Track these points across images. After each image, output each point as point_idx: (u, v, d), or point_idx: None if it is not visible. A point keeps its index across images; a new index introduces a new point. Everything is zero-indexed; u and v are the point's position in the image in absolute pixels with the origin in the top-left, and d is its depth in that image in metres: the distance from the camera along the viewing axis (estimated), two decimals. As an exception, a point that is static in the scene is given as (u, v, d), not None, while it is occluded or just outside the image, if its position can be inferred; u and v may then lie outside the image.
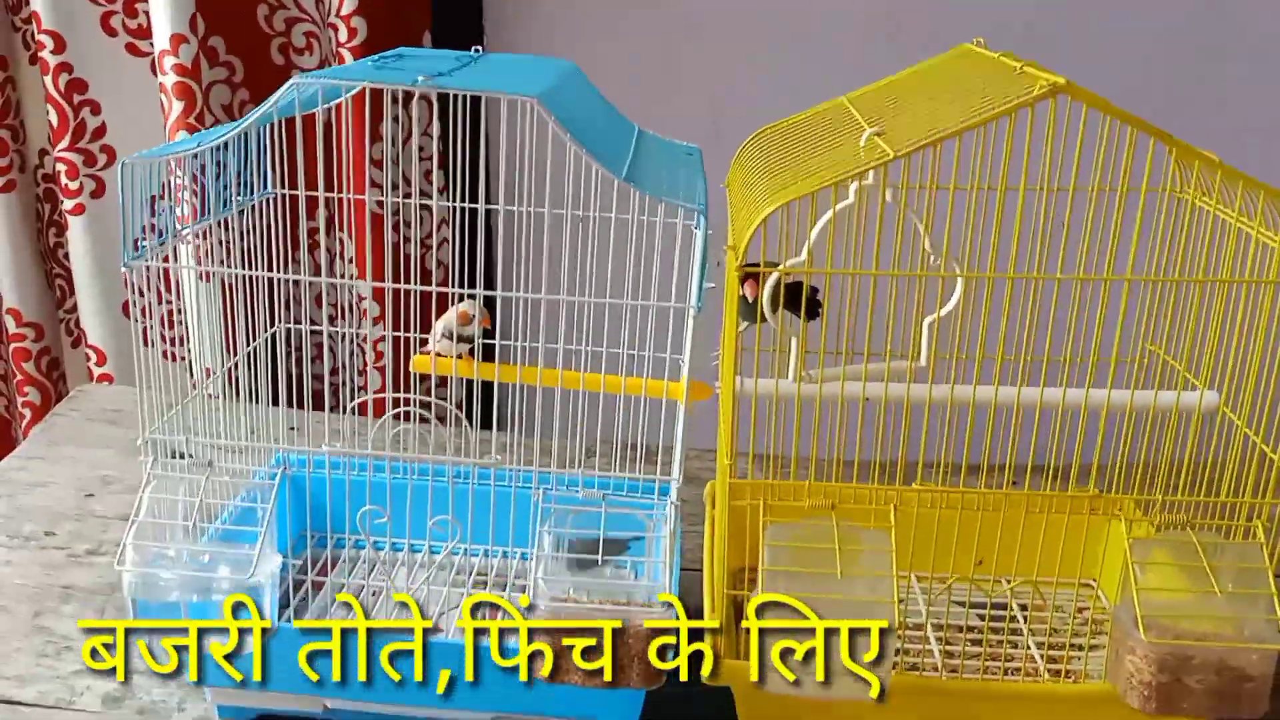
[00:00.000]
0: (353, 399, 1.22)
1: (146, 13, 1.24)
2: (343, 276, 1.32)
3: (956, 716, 0.72)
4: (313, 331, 1.03)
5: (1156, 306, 0.77)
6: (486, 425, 1.01)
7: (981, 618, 0.83)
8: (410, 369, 0.79)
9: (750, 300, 0.68)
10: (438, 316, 0.82)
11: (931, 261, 0.68)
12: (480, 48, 0.78)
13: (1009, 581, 0.82)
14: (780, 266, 0.66)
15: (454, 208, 0.82)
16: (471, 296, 0.75)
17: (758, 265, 0.65)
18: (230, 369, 0.80)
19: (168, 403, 0.74)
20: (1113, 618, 0.68)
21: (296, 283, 0.73)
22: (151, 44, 1.25)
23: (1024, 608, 0.85)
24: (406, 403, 0.73)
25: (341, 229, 1.33)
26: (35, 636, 0.84)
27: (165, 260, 0.70)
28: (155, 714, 0.77)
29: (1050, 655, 0.79)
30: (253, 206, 0.80)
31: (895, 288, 0.67)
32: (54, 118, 1.30)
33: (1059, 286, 0.65)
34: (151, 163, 0.69)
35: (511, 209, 0.80)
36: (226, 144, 0.74)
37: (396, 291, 0.77)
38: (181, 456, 0.70)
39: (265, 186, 0.81)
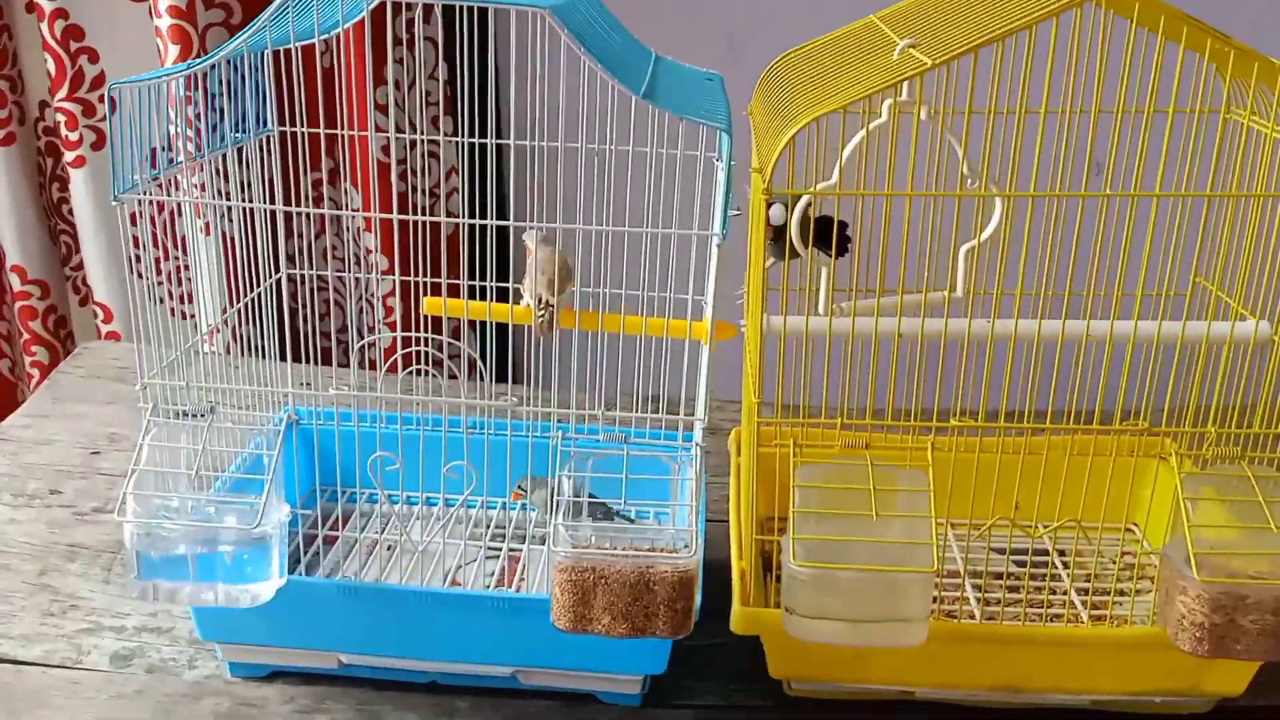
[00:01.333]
0: (360, 350, 1.18)
1: (142, -45, 1.20)
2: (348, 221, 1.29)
3: (996, 664, 0.69)
4: (321, 288, 1.00)
5: (1204, 235, 0.73)
6: (502, 378, 0.98)
7: (1020, 565, 0.80)
8: (422, 312, 0.75)
9: (776, 226, 0.64)
10: (448, 263, 0.78)
11: (970, 184, 0.64)
12: (487, -29, 0.74)
13: (1046, 527, 0.79)
14: (809, 190, 0.62)
15: (463, 144, 0.78)
16: (535, 231, 0.71)
17: (785, 190, 0.61)
18: (235, 320, 0.77)
19: (184, 353, 0.71)
20: (1161, 557, 0.65)
21: (300, 234, 0.69)
22: (148, -13, 1.21)
23: (1062, 554, 0.82)
24: (417, 346, 0.70)
25: (346, 179, 1.29)
26: (40, 595, 0.82)
27: (160, 190, 0.67)
28: (165, 672, 0.75)
29: (1092, 602, 0.76)
30: (256, 144, 0.76)
31: (932, 213, 0.62)
32: (52, 66, 1.26)
33: (1103, 209, 0.61)
34: (148, 96, 0.65)
35: (523, 144, 0.76)
36: (222, 75, 0.70)
37: (405, 238, 0.73)
38: (181, 416, 0.67)
39: (264, 124, 0.78)
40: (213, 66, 0.64)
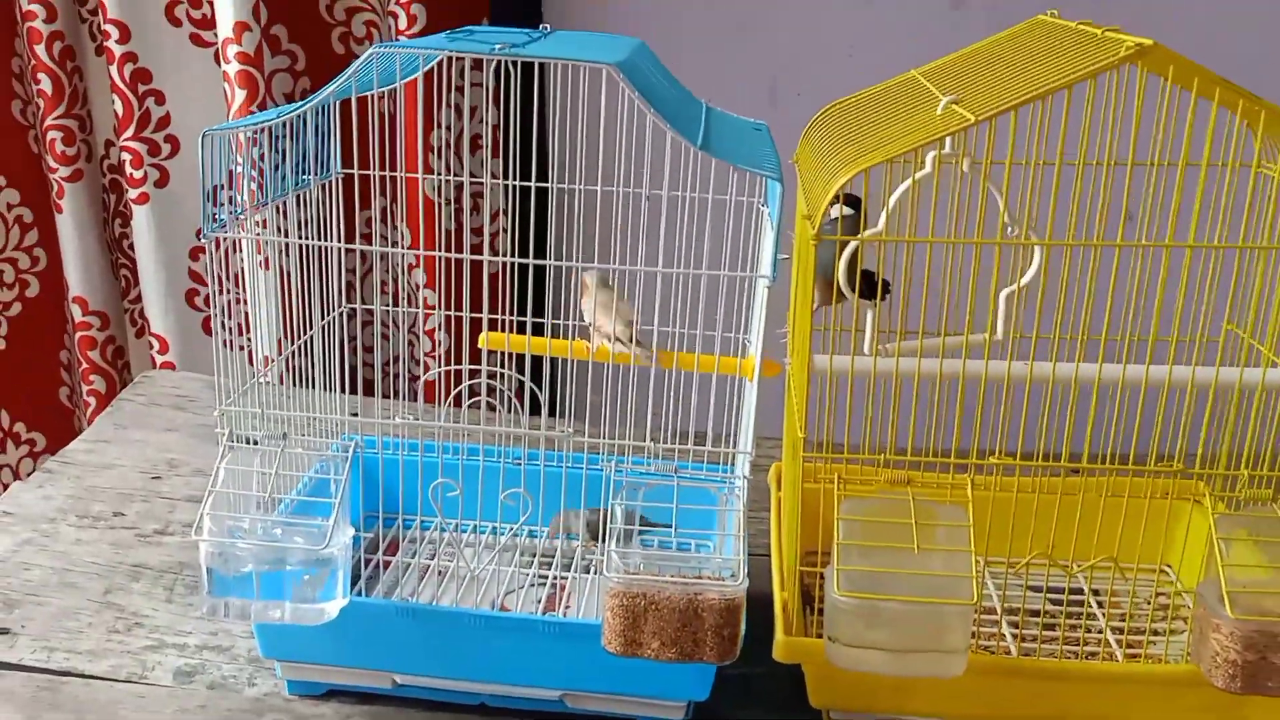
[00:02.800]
0: (414, 381, 1.22)
1: (211, 3, 1.26)
2: (401, 261, 1.33)
3: (1034, 698, 0.71)
4: (367, 322, 1.04)
5: (1237, 283, 0.76)
6: (551, 412, 1.01)
7: (1055, 603, 0.82)
8: (478, 345, 0.79)
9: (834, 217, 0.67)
10: (493, 299, 0.81)
11: (1010, 232, 0.67)
12: (548, 25, 0.78)
13: (1081, 566, 0.81)
14: (857, 236, 0.65)
15: (515, 188, 0.82)
16: (590, 272, 0.74)
17: (834, 237, 0.64)
18: (294, 352, 0.81)
19: (246, 385, 0.75)
20: (1196, 596, 0.67)
21: (352, 270, 0.73)
22: (215, 35, 1.27)
23: (1097, 593, 0.84)
24: (474, 378, 0.73)
25: (399, 220, 1.34)
26: (106, 612, 0.85)
27: (242, 230, 0.71)
28: (226, 689, 0.78)
29: (1126, 641, 0.78)
30: (319, 188, 0.81)
31: (974, 259, 0.65)
32: (119, 107, 1.32)
33: (1136, 258, 0.64)
34: (222, 144, 0.69)
35: (592, 189, 0.80)
36: (294, 123, 0.75)
37: (458, 275, 0.77)
38: (252, 443, 0.71)
39: (327, 169, 0.82)
40: (299, 115, 0.68)
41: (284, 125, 0.70)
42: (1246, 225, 0.73)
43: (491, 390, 0.78)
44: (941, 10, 1.29)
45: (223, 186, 0.69)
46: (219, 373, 0.71)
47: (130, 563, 0.92)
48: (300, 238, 0.78)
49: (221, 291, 0.69)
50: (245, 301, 0.74)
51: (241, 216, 0.73)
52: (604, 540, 0.67)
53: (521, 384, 0.79)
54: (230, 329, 0.70)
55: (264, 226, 0.97)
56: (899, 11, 1.30)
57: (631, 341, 0.78)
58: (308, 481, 0.79)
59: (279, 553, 0.67)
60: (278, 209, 0.80)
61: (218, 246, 0.70)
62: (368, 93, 0.73)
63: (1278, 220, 0.69)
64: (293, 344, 0.81)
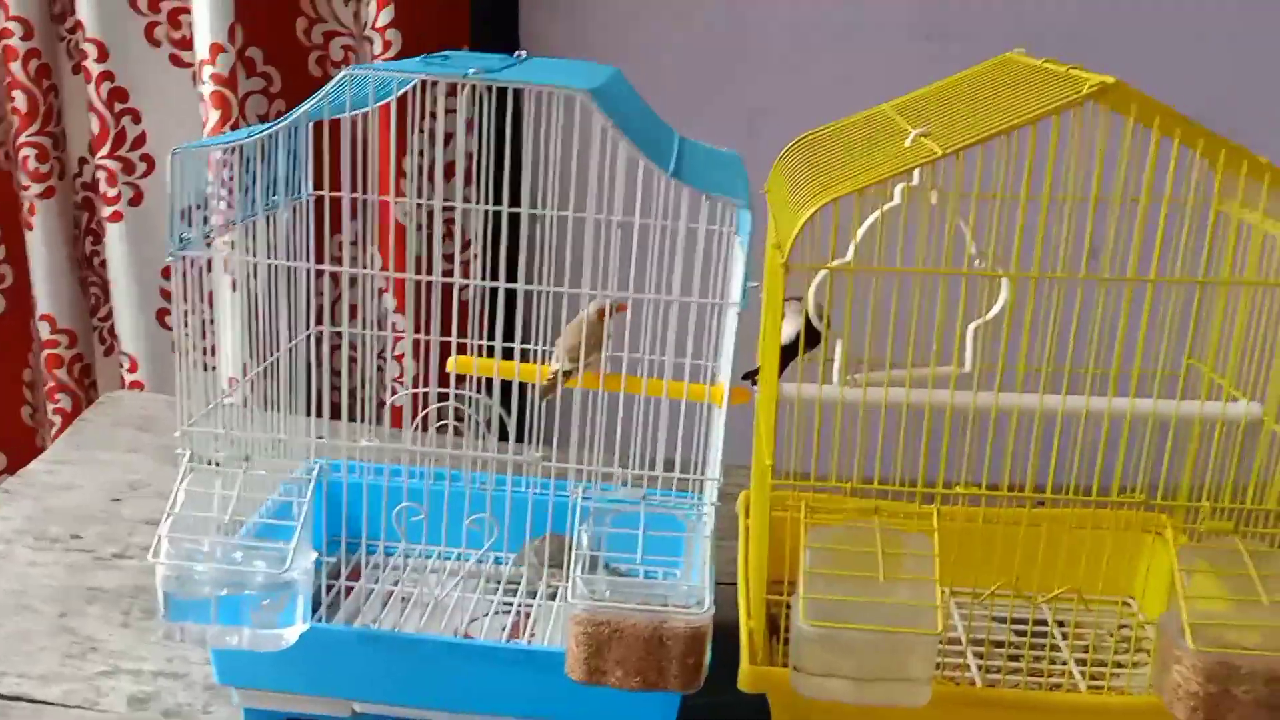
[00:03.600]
0: (381, 407, 1.21)
1: (190, 24, 1.26)
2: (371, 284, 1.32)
3: (997, 729, 0.70)
4: (335, 345, 1.04)
5: (1197, 319, 0.77)
6: (520, 437, 1.01)
7: (1019, 634, 0.82)
8: (446, 369, 0.79)
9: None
10: (462, 323, 0.81)
11: (977, 265, 0.68)
12: (524, 52, 0.79)
13: (1044, 596, 0.81)
14: (826, 264, 0.66)
15: (485, 212, 0.82)
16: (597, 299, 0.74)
17: (802, 265, 0.64)
18: (261, 374, 0.80)
19: (209, 406, 0.74)
20: (1158, 627, 0.67)
21: (322, 293, 0.72)
22: (194, 55, 1.27)
23: (1061, 624, 0.84)
24: (442, 402, 0.73)
25: (371, 243, 1.34)
26: (61, 636, 0.84)
27: (209, 251, 0.71)
28: (181, 716, 0.76)
29: (1090, 672, 0.78)
30: (290, 209, 0.81)
31: (941, 291, 0.66)
32: (95, 126, 1.31)
33: (1100, 293, 0.65)
34: (196, 164, 0.69)
35: (561, 213, 0.80)
36: (265, 144, 0.75)
37: (427, 299, 0.76)
38: (214, 465, 0.70)
39: (298, 191, 0.82)
40: (271, 135, 0.68)
41: (255, 146, 0.70)
42: (1208, 261, 0.74)
43: (460, 414, 0.78)
44: (918, 43, 1.31)
45: (191, 207, 0.69)
46: (181, 393, 0.70)
47: (87, 586, 0.90)
48: (269, 259, 0.77)
49: (187, 312, 0.69)
50: (211, 322, 0.73)
51: (209, 237, 0.72)
52: (568, 567, 0.67)
53: (489, 408, 0.78)
54: (193, 350, 0.69)
55: (232, 247, 0.97)
56: (875, 44, 1.32)
57: (581, 362, 0.78)
58: (271, 505, 0.78)
59: (238, 576, 0.66)
60: (247, 230, 0.79)
61: (184, 267, 0.70)
62: (341, 115, 0.73)
63: (1237, 256, 0.70)
64: (259, 366, 0.80)
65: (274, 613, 0.67)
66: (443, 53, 0.78)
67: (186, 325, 0.69)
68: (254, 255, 0.76)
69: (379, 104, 0.77)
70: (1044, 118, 0.59)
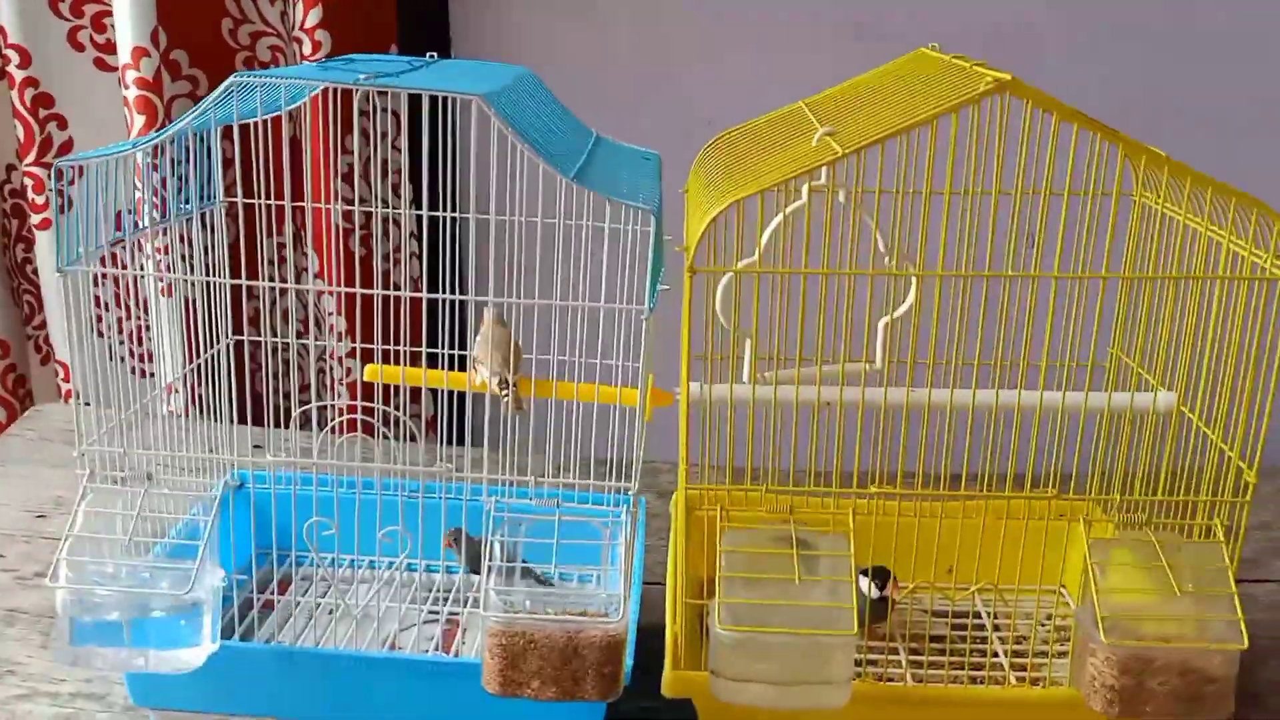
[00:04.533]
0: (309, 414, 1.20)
1: (114, 27, 1.23)
2: (308, 291, 1.31)
3: (921, 726, 0.70)
4: (283, 348, 1.02)
5: (1119, 310, 0.77)
6: (458, 442, 1.00)
7: (956, 628, 0.82)
8: (362, 379, 0.77)
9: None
10: (392, 331, 0.80)
11: (885, 262, 0.68)
12: (435, 54, 0.77)
13: (968, 589, 0.81)
14: (730, 268, 0.65)
15: (407, 216, 0.81)
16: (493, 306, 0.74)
17: (707, 269, 0.64)
18: (194, 380, 0.78)
19: (126, 419, 0.73)
20: (1074, 620, 0.67)
21: (259, 297, 0.71)
22: (118, 59, 1.24)
23: (996, 617, 0.84)
24: (352, 413, 0.72)
25: (307, 245, 1.32)
26: (-20, 659, 0.82)
27: (103, 264, 0.69)
28: (101, 737, 0.75)
29: (1019, 663, 0.78)
30: (221, 211, 0.79)
31: (851, 290, 0.66)
32: (20, 132, 1.28)
33: (1006, 287, 0.64)
34: (109, 171, 0.68)
35: (465, 217, 0.80)
36: (179, 150, 0.73)
37: (365, 303, 0.75)
38: (122, 482, 0.69)
39: (210, 198, 0.81)
40: (172, 140, 0.67)
41: (149, 154, 0.68)
42: (1130, 254, 0.74)
43: (385, 420, 0.76)
44: (846, 41, 1.31)
45: (79, 221, 0.67)
46: (78, 412, 0.68)
47: (6, 607, 0.88)
48: (193, 263, 0.76)
49: (98, 319, 0.67)
50: (147, 329, 0.72)
51: (110, 248, 0.71)
52: (484, 576, 0.66)
53: (429, 424, 0.77)
54: (117, 357, 0.68)
55: (165, 253, 0.95)
56: (808, 42, 1.32)
57: (504, 383, 0.77)
58: (186, 524, 0.76)
59: (142, 598, 0.64)
60: (181, 236, 0.78)
61: (72, 283, 0.68)
62: (250, 120, 0.71)
63: (1163, 248, 0.70)
64: (179, 376, 0.79)
65: (182, 634, 0.65)
66: (347, 55, 0.76)
67: (102, 332, 0.67)
68: (183, 261, 0.75)
69: (291, 107, 0.76)
70: (942, 115, 0.59)
